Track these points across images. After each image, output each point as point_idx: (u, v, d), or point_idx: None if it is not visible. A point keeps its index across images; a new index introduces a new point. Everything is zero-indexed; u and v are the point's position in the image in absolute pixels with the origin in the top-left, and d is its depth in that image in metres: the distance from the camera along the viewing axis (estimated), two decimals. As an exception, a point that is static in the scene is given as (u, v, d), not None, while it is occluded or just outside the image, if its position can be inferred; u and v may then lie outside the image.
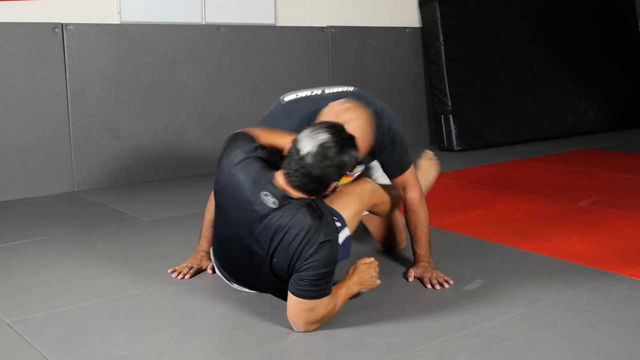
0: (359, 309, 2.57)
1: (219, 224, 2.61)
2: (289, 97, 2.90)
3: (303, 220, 2.32)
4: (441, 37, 6.35)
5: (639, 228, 3.75)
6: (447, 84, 6.35)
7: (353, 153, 2.36)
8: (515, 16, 6.91)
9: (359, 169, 2.88)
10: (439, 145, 6.45)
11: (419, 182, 2.92)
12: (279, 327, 2.42)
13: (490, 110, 6.63)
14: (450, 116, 6.35)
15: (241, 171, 2.44)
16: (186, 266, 2.95)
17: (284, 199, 2.35)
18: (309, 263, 2.29)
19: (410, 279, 2.86)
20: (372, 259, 2.59)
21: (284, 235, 2.33)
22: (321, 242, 2.30)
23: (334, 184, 2.39)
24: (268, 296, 2.65)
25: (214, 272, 2.89)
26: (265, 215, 2.36)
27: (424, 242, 2.91)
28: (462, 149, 6.34)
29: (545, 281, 2.89)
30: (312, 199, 2.39)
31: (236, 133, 2.62)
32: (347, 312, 2.54)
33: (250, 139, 2.56)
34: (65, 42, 4.58)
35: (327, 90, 2.87)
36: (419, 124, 6.65)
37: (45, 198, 4.52)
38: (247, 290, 2.70)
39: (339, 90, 2.87)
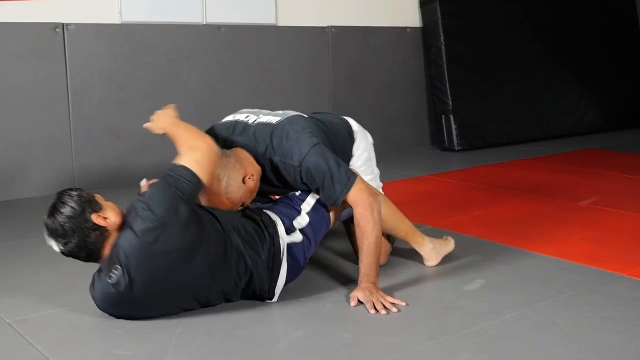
0: (359, 309, 2.57)
1: None
2: (226, 119, 3.01)
3: (127, 241, 2.36)
4: (442, 37, 6.35)
5: (639, 228, 3.74)
6: (448, 84, 6.35)
7: (63, 205, 2.38)
8: (517, 16, 6.91)
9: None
10: (440, 145, 6.45)
11: (368, 198, 2.68)
12: (280, 327, 2.42)
13: (491, 110, 6.63)
14: (451, 116, 6.34)
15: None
16: None
17: (113, 270, 2.38)
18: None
19: (353, 303, 2.58)
20: None
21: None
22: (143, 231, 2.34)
23: (94, 219, 2.37)
24: (268, 296, 2.65)
25: None
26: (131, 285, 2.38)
27: (368, 261, 2.65)
28: (463, 149, 6.33)
29: (545, 281, 2.89)
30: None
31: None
32: (347, 312, 2.54)
33: None
34: (66, 42, 4.59)
35: (258, 120, 2.87)
36: (419, 124, 6.65)
37: (46, 198, 4.50)
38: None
39: (265, 121, 2.85)
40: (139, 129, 5.00)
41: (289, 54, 5.68)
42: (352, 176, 2.69)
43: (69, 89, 4.63)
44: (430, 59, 6.49)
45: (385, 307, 2.53)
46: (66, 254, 2.36)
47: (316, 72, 5.87)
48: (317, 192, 2.75)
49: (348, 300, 2.63)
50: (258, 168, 2.76)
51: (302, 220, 2.70)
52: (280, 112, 2.97)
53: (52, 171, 4.62)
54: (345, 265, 3.06)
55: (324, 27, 5.90)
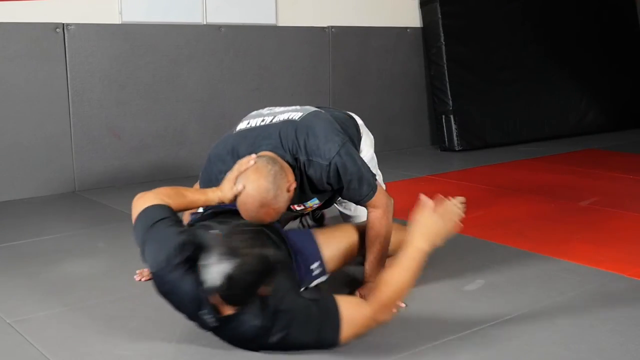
0: (360, 309, 2.56)
1: None
2: (240, 127, 2.78)
3: (248, 330, 2.17)
4: (442, 37, 6.35)
5: (639, 228, 3.74)
6: (448, 84, 6.35)
7: (261, 263, 2.09)
8: (517, 16, 6.91)
9: (311, 203, 2.76)
10: (440, 145, 6.45)
11: (387, 201, 2.70)
12: (280, 327, 2.41)
13: (491, 111, 6.63)
14: (451, 116, 6.34)
15: (177, 287, 2.21)
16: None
17: (219, 319, 2.17)
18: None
19: None
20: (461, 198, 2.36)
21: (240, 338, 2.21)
22: (279, 338, 2.16)
23: (262, 291, 2.14)
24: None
25: None
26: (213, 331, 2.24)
27: (376, 261, 2.66)
28: (463, 149, 6.33)
29: (546, 281, 2.89)
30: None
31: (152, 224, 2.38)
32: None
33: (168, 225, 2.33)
34: (66, 42, 4.59)
35: (276, 118, 2.70)
36: (420, 124, 6.65)
37: (46, 198, 4.53)
38: None
39: (286, 117, 2.69)
40: (139, 128, 5.04)
41: (289, 54, 5.68)
42: (376, 181, 2.69)
43: (69, 89, 4.63)
44: (430, 59, 6.49)
45: None
46: (214, 290, 2.08)
47: (316, 72, 5.87)
48: (339, 192, 2.66)
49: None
50: (293, 174, 2.53)
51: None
52: (298, 107, 2.85)
53: (52, 171, 4.62)
54: (347, 268, 3.06)
55: (324, 27, 5.89)
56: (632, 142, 6.81)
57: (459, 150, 6.32)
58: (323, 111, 2.86)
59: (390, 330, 2.39)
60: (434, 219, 2.31)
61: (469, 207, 4.19)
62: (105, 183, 4.80)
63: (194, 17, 5.15)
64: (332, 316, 2.18)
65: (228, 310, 2.14)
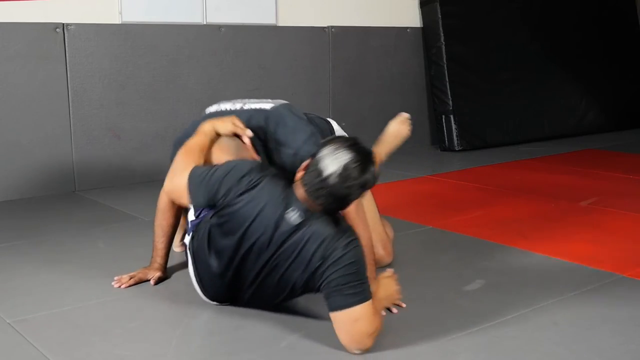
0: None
1: (222, 262, 2.47)
2: (210, 110, 2.82)
3: (322, 230, 2.27)
4: (442, 37, 6.35)
5: (639, 228, 3.75)
6: (448, 84, 6.35)
7: (373, 170, 2.31)
8: (517, 16, 6.91)
9: None
10: (440, 145, 6.45)
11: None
12: (281, 327, 2.42)
13: (491, 111, 6.63)
14: (451, 116, 6.35)
15: (256, 197, 2.35)
16: (128, 275, 2.83)
17: (305, 212, 2.29)
18: (340, 267, 2.22)
19: None
20: (391, 271, 2.53)
21: (301, 249, 2.28)
22: (346, 244, 2.25)
23: (354, 201, 2.37)
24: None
25: (155, 283, 2.81)
26: (287, 238, 2.30)
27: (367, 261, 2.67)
28: (463, 149, 6.34)
29: (546, 281, 2.89)
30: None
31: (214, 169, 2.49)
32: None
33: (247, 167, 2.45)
34: (66, 42, 4.59)
35: (247, 105, 2.73)
36: (419, 124, 6.64)
37: (46, 198, 4.53)
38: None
39: (258, 107, 2.72)
40: (139, 128, 5.04)
41: (289, 54, 5.68)
42: None
43: (69, 89, 4.63)
44: (430, 59, 6.49)
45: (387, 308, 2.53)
46: (327, 183, 2.23)
47: (316, 72, 5.87)
48: None
49: None
50: (257, 157, 2.64)
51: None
52: (269, 99, 2.87)
53: (52, 171, 4.61)
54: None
55: (324, 27, 5.89)
56: (632, 142, 6.81)
57: (459, 150, 6.32)
58: (294, 106, 2.87)
59: (390, 330, 2.39)
60: (392, 286, 2.50)
61: (469, 207, 4.21)
62: (105, 183, 4.80)
63: (194, 17, 5.15)
64: (365, 293, 2.24)
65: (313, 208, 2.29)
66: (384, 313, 2.47)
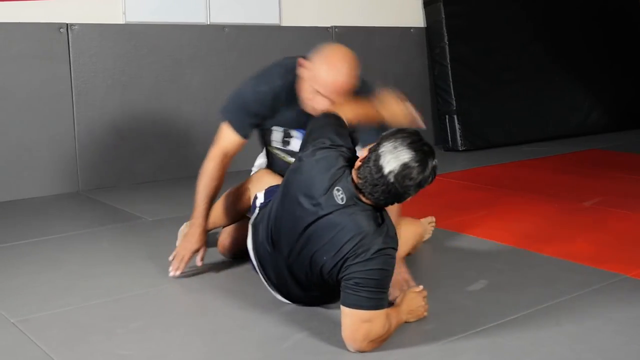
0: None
1: (278, 207, 2.51)
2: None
3: (362, 223, 2.24)
4: (446, 37, 6.35)
5: (643, 228, 3.74)
6: (451, 84, 6.35)
7: (433, 166, 2.30)
8: (520, 16, 6.90)
9: None
10: (444, 145, 6.45)
11: None
12: (284, 327, 2.42)
13: (494, 111, 6.62)
14: (455, 116, 6.34)
15: (319, 162, 2.39)
16: (187, 249, 2.88)
17: (352, 198, 2.27)
18: (364, 269, 2.20)
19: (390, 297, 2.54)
20: (421, 287, 2.52)
21: (337, 233, 2.25)
22: (379, 249, 2.21)
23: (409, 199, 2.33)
24: (273, 296, 2.65)
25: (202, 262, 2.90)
26: (328, 213, 2.29)
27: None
28: (467, 149, 6.33)
29: (549, 282, 2.89)
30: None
31: (325, 114, 2.63)
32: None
33: (337, 123, 2.57)
34: (70, 42, 4.59)
35: None
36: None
37: (50, 198, 4.53)
38: (282, 299, 2.61)
39: None
40: (143, 129, 5.04)
41: (292, 54, 5.64)
42: None
43: (73, 89, 4.64)
44: (433, 59, 6.49)
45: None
46: (382, 184, 2.21)
47: (320, 72, 5.86)
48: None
49: None
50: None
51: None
52: None
53: (56, 171, 4.62)
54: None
55: (327, 27, 5.89)
56: (636, 143, 6.80)
57: (462, 150, 6.32)
58: None
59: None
60: (418, 301, 2.50)
61: (472, 207, 4.21)
62: (109, 183, 4.81)
63: (197, 17, 5.16)
64: (381, 302, 2.25)
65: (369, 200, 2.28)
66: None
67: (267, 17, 5.51)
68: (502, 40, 6.74)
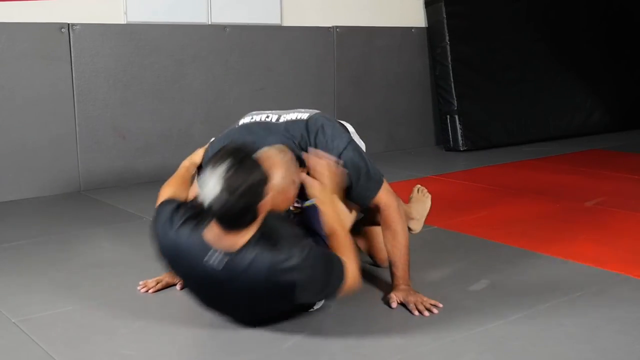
0: (364, 309, 2.56)
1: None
2: (243, 120, 2.75)
3: (261, 262, 2.16)
4: (447, 37, 6.34)
5: (645, 228, 3.74)
6: (452, 84, 6.35)
7: (257, 168, 2.16)
8: (522, 16, 6.90)
9: (309, 203, 2.64)
10: (445, 145, 6.44)
11: (395, 199, 2.67)
12: (285, 327, 2.42)
13: (496, 110, 6.62)
14: (456, 116, 6.34)
15: (180, 244, 2.27)
16: (155, 280, 2.81)
17: (225, 256, 2.19)
18: (309, 291, 2.22)
19: (394, 304, 2.58)
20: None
21: (253, 287, 2.20)
22: (294, 265, 2.16)
23: (263, 205, 2.18)
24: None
25: (182, 288, 2.76)
26: (227, 277, 2.21)
27: (402, 264, 2.64)
28: (468, 149, 6.33)
29: (551, 282, 2.89)
30: (259, 232, 2.21)
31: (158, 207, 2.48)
32: (353, 312, 2.54)
33: (169, 203, 2.43)
34: (71, 42, 4.59)
35: (282, 118, 2.66)
36: (424, 124, 6.65)
37: (52, 198, 4.54)
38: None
39: (295, 117, 2.64)
40: (144, 128, 5.05)
41: (293, 54, 5.69)
42: (382, 177, 2.67)
43: (74, 89, 4.64)
44: (435, 59, 6.49)
45: (426, 308, 2.53)
46: (217, 209, 2.11)
47: (321, 72, 5.87)
48: (346, 191, 2.61)
49: (386, 301, 2.60)
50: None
51: None
52: (301, 109, 2.79)
53: (57, 171, 4.62)
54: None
55: (328, 27, 5.89)
56: (638, 143, 6.79)
57: (463, 150, 6.31)
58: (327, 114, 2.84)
59: (395, 331, 2.39)
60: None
61: (473, 207, 4.21)
62: (110, 183, 4.81)
63: (199, 17, 5.16)
64: (339, 264, 2.27)
65: (232, 242, 2.17)
66: (427, 314, 2.49)
67: (268, 17, 5.51)
68: (503, 40, 6.73)
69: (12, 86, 4.42)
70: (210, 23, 5.21)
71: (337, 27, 5.93)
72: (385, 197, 2.64)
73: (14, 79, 4.43)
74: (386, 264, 2.78)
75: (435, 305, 2.55)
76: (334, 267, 2.28)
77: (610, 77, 7.64)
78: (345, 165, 2.54)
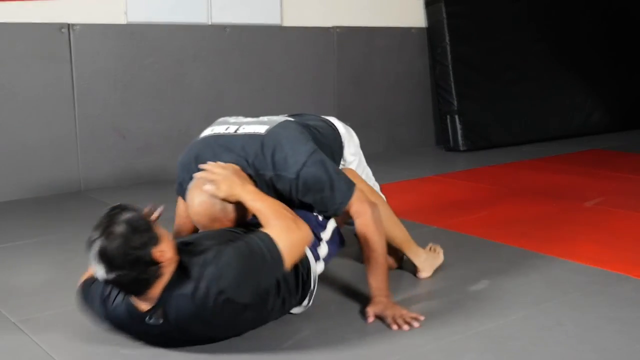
0: (364, 308, 2.56)
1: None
2: (204, 133, 2.72)
3: (182, 302, 2.10)
4: (447, 37, 6.35)
5: (645, 228, 3.74)
6: (453, 84, 6.35)
7: (130, 228, 2.03)
8: (522, 16, 6.91)
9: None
10: (445, 145, 6.45)
11: (369, 208, 2.53)
12: (285, 326, 2.42)
13: (496, 110, 6.62)
14: (456, 116, 6.34)
15: (121, 318, 2.21)
16: None
17: (157, 312, 2.14)
18: (235, 298, 2.13)
19: (370, 319, 2.45)
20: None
21: (190, 326, 2.15)
22: (208, 288, 2.09)
23: (154, 254, 2.06)
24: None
25: None
26: (172, 328, 2.16)
27: (378, 274, 2.52)
28: (468, 149, 6.33)
29: (551, 282, 2.89)
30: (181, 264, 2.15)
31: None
32: (353, 313, 2.54)
33: (93, 281, 2.30)
34: (71, 42, 4.60)
35: (241, 129, 2.60)
36: (424, 124, 6.65)
37: (52, 197, 4.54)
38: None
39: (252, 131, 2.56)
40: (144, 128, 5.05)
41: (294, 54, 5.69)
42: (352, 185, 2.55)
43: (75, 89, 4.64)
44: (435, 59, 6.49)
45: (406, 322, 2.41)
46: (110, 282, 2.06)
47: (321, 72, 5.87)
48: (310, 207, 2.52)
49: (362, 314, 2.51)
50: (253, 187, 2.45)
51: (324, 248, 2.54)
52: (265, 118, 2.72)
53: (58, 171, 4.63)
54: (350, 266, 3.06)
55: (329, 27, 5.90)
56: (638, 143, 6.80)
57: (463, 151, 6.32)
58: (293, 120, 2.71)
59: (395, 331, 2.39)
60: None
61: (474, 207, 4.21)
62: (110, 183, 4.81)
63: (199, 17, 5.16)
64: (272, 252, 2.18)
65: (149, 300, 2.12)
66: (406, 328, 2.38)
67: (268, 17, 5.51)
68: (503, 40, 6.74)
69: (12, 86, 4.42)
70: (210, 23, 5.22)
71: (337, 27, 5.93)
72: (355, 206, 2.52)
73: (15, 79, 4.43)
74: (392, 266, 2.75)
75: (415, 319, 2.42)
76: (254, 253, 2.16)
77: (611, 77, 7.65)
78: (306, 182, 2.44)
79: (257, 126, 2.59)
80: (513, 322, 2.47)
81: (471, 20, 6.52)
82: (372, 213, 2.53)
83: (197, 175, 2.44)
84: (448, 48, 6.35)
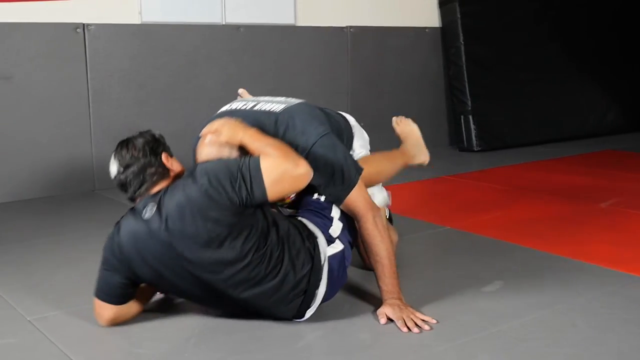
0: (378, 309, 2.56)
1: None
2: (222, 109, 2.77)
3: (175, 193, 2.35)
4: (461, 37, 6.33)
5: (660, 230, 3.71)
6: (467, 84, 6.33)
7: (141, 139, 2.58)
8: (536, 16, 6.88)
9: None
10: (459, 145, 6.43)
11: (371, 206, 2.53)
12: (298, 326, 2.42)
13: (510, 111, 6.60)
14: (470, 116, 6.33)
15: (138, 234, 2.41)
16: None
17: (153, 206, 2.37)
18: (216, 198, 2.27)
19: (382, 320, 2.43)
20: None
21: (190, 224, 2.27)
22: (196, 183, 2.32)
23: (163, 156, 2.51)
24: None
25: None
26: (171, 240, 2.29)
27: (387, 277, 2.49)
28: (482, 150, 6.31)
29: (565, 283, 2.87)
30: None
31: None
32: (365, 313, 2.54)
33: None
34: (86, 42, 4.62)
35: (258, 106, 2.62)
36: (438, 124, 6.64)
37: (66, 197, 4.56)
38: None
39: (268, 109, 2.58)
40: (158, 128, 5.04)
41: (307, 54, 5.69)
42: (357, 175, 2.53)
43: (89, 89, 4.67)
44: (449, 59, 6.47)
45: (416, 324, 2.39)
46: (119, 180, 2.50)
47: (334, 72, 5.87)
48: (318, 189, 2.53)
49: (375, 315, 2.49)
50: None
51: (336, 228, 2.52)
52: (283, 98, 2.73)
53: (72, 170, 4.65)
54: (363, 266, 3.06)
55: (342, 27, 5.90)
56: (653, 143, 6.76)
57: (477, 151, 6.30)
58: (310, 104, 2.74)
59: (407, 332, 2.39)
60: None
61: (487, 207, 4.20)
62: (124, 182, 4.83)
63: (212, 17, 5.17)
64: (254, 170, 2.29)
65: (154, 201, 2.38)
66: (416, 330, 2.36)
67: (282, 17, 5.51)
68: (517, 40, 6.71)
69: (27, 86, 4.45)
70: (224, 23, 5.23)
71: (350, 27, 5.93)
72: (359, 202, 2.52)
73: (29, 79, 4.46)
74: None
75: (426, 322, 2.42)
76: (237, 161, 2.34)
77: (625, 77, 7.60)
78: (314, 162, 2.43)
79: (274, 104, 2.63)
80: (526, 323, 2.46)
81: (485, 20, 6.50)
82: (372, 215, 2.52)
83: (201, 133, 2.55)
84: (462, 48, 6.34)
